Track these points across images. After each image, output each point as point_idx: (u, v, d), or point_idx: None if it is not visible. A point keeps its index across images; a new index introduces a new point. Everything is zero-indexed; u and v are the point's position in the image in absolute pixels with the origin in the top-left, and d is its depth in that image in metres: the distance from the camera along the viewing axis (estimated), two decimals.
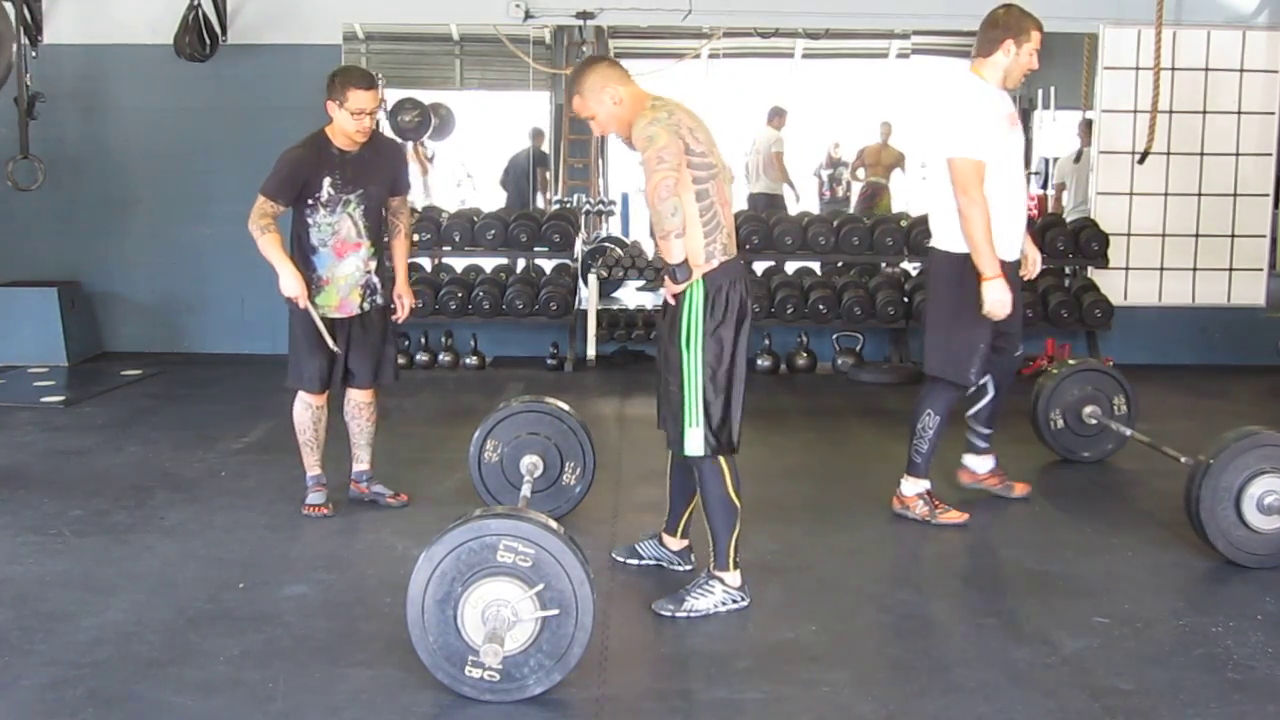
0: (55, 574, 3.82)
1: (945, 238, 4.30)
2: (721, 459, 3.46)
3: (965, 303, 4.22)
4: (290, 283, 4.15)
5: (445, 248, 7.70)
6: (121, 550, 4.07)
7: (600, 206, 9.65)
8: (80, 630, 3.36)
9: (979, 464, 4.74)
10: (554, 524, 3.02)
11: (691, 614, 3.46)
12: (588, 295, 7.86)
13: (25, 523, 4.32)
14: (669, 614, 3.46)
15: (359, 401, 4.51)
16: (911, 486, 4.45)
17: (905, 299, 7.63)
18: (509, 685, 2.93)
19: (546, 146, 9.52)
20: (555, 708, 2.95)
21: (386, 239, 4.45)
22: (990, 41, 4.25)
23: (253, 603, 3.61)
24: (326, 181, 4.20)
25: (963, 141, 4.13)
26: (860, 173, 10.32)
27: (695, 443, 3.43)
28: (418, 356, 7.62)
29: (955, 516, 4.39)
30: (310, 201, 4.21)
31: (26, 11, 7.21)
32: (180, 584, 3.76)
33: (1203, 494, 3.94)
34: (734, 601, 3.51)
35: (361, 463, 4.58)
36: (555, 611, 2.90)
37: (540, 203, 9.11)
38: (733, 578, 3.52)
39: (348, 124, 4.15)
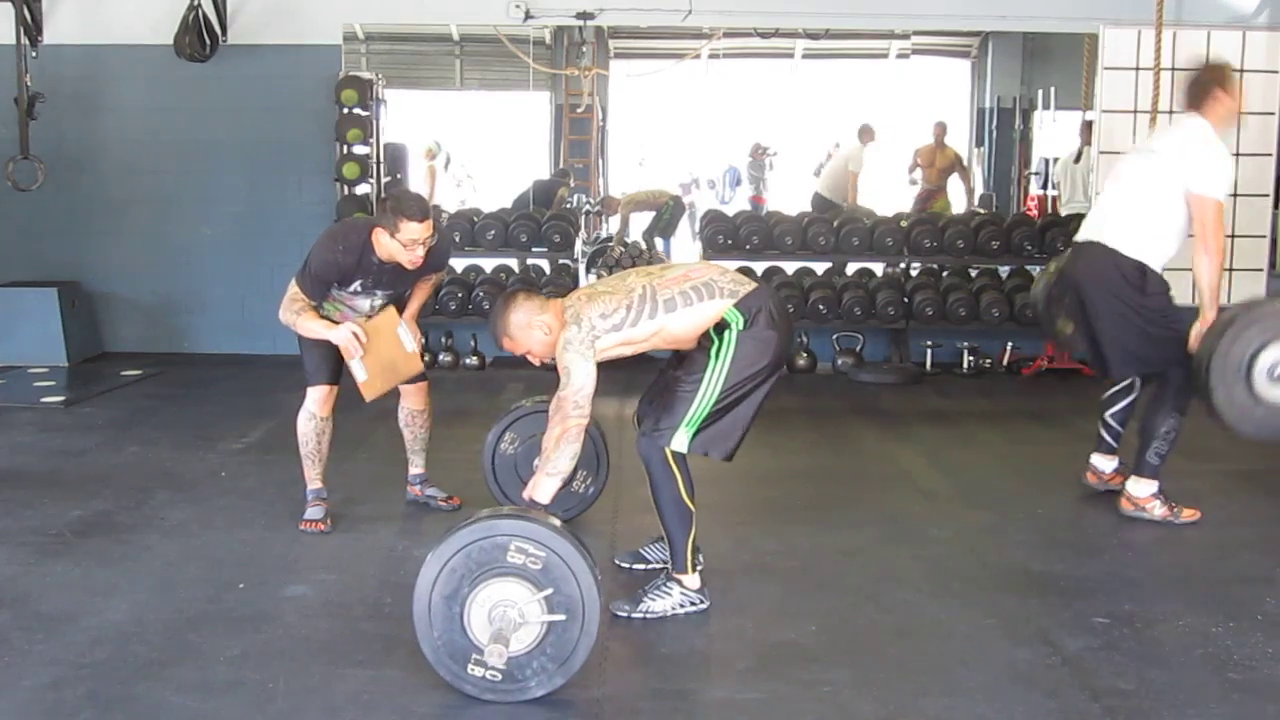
0: (55, 574, 3.82)
1: (1131, 244, 4.35)
2: (673, 463, 3.44)
3: (1153, 303, 4.34)
4: (343, 340, 4.08)
5: None
6: (121, 550, 4.07)
7: (600, 207, 9.65)
8: (80, 630, 3.36)
9: (1105, 464, 4.78)
10: (565, 528, 3.01)
11: (648, 615, 3.46)
12: None
13: (25, 523, 4.32)
14: (624, 614, 3.45)
15: (412, 410, 4.53)
16: (1145, 488, 4.46)
17: (905, 299, 7.63)
18: (510, 686, 2.93)
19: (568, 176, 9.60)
20: (555, 707, 2.95)
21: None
22: (1202, 89, 4.40)
23: (253, 603, 3.60)
24: (358, 283, 4.12)
25: (1214, 180, 4.23)
26: (916, 174, 10.23)
27: (681, 441, 3.42)
28: None
29: (1191, 514, 4.45)
30: (336, 285, 4.14)
31: (26, 11, 7.22)
32: (180, 584, 3.76)
33: (1214, 363, 3.91)
34: (692, 604, 3.50)
35: (416, 466, 4.62)
36: (562, 616, 2.90)
37: None
38: (691, 580, 3.52)
39: (400, 254, 3.99)
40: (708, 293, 3.44)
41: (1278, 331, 3.94)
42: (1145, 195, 4.39)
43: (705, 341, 3.46)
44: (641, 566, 3.92)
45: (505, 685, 2.92)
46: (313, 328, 4.10)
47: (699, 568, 3.59)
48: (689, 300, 3.42)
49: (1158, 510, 4.45)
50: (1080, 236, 4.61)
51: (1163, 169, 4.37)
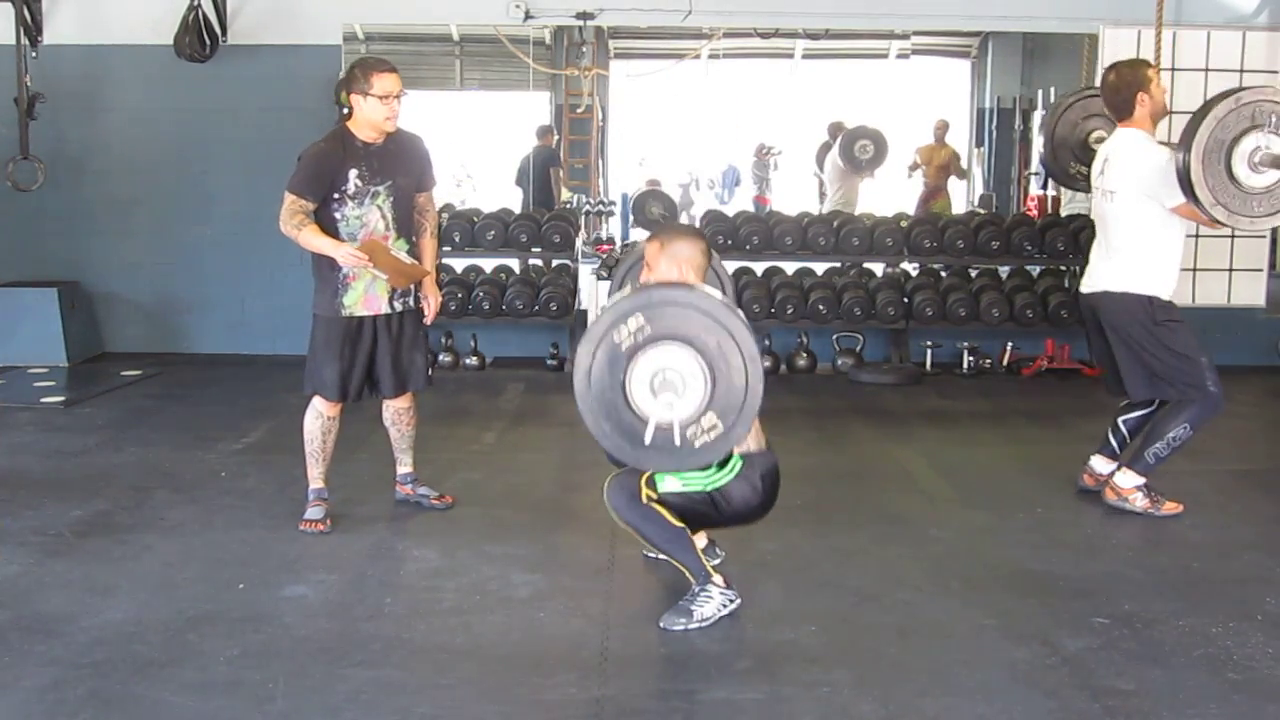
0: (55, 574, 3.82)
1: (1131, 277, 4.47)
2: (650, 504, 3.44)
3: (1167, 336, 4.43)
4: (344, 254, 4.05)
5: (445, 248, 7.69)
6: (121, 550, 4.07)
7: (600, 207, 9.65)
8: (80, 630, 3.36)
9: (1104, 466, 4.78)
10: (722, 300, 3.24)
11: (702, 623, 3.44)
12: (588, 295, 7.85)
13: (25, 523, 4.32)
14: (681, 628, 3.42)
15: (397, 408, 4.47)
16: (1131, 479, 4.54)
17: (905, 299, 7.63)
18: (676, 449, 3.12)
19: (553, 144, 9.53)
20: (555, 708, 2.95)
21: (415, 237, 4.35)
22: (1126, 102, 4.48)
23: (253, 603, 3.61)
24: (353, 174, 4.13)
25: (1176, 190, 4.25)
26: (918, 172, 10.24)
27: (671, 482, 3.44)
28: None
29: (1173, 507, 4.51)
30: (337, 196, 4.13)
31: (26, 12, 7.22)
32: (180, 584, 3.76)
33: (1191, 161, 4.00)
34: (730, 601, 3.51)
35: (405, 465, 4.59)
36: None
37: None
38: (720, 579, 3.52)
39: (376, 112, 4.10)
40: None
41: (1254, 119, 4.00)
42: (1129, 234, 4.48)
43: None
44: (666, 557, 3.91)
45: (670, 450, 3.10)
46: (316, 243, 4.08)
47: (717, 561, 3.62)
48: None
49: (1139, 502, 4.51)
50: (1085, 286, 4.70)
51: (1130, 203, 4.45)
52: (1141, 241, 4.46)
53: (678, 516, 3.49)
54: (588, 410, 3.18)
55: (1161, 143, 4.55)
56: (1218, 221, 4.21)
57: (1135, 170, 4.43)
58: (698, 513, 3.53)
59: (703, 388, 3.12)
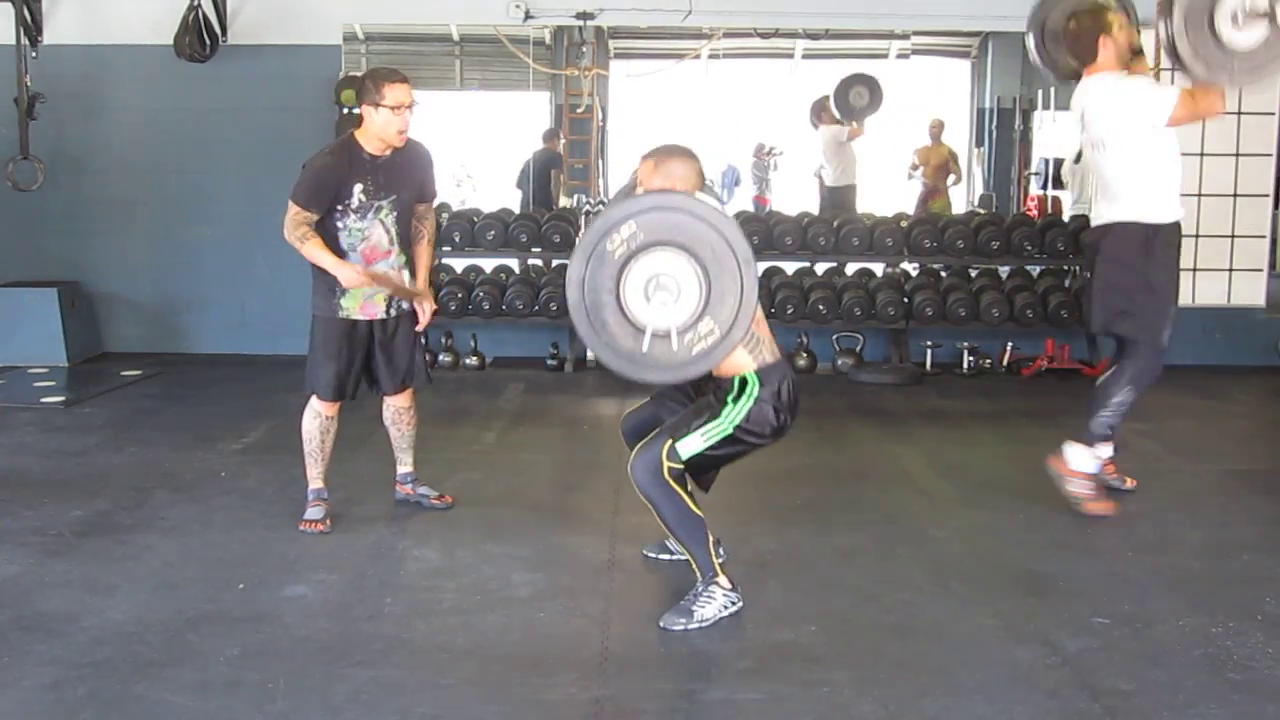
0: (55, 574, 3.82)
1: (1134, 209, 4.48)
2: (673, 479, 3.42)
3: (1157, 271, 4.46)
4: (348, 275, 4.06)
5: (445, 248, 7.70)
6: (121, 550, 4.07)
7: (600, 207, 9.64)
8: (80, 630, 3.36)
9: (1108, 450, 4.74)
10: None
11: (702, 624, 3.44)
12: None
13: (25, 523, 4.32)
14: (681, 628, 3.42)
15: (398, 407, 4.47)
16: (1081, 460, 4.49)
17: (905, 299, 7.62)
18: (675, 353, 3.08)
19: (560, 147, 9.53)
20: (555, 708, 2.95)
21: (412, 245, 4.35)
22: (1088, 48, 4.49)
23: (253, 603, 3.60)
24: (358, 188, 4.10)
25: (1160, 103, 4.30)
26: (918, 173, 10.25)
27: (693, 444, 3.43)
28: None
29: (1104, 508, 4.47)
30: (340, 208, 4.11)
31: (26, 11, 7.23)
32: (180, 584, 3.76)
33: (1173, 17, 4.01)
34: (732, 604, 3.51)
35: (405, 465, 4.58)
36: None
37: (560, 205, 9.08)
38: (725, 580, 3.51)
39: (389, 124, 4.07)
40: (753, 342, 3.49)
41: None
42: (1124, 172, 4.48)
43: (726, 386, 3.50)
44: (668, 557, 3.92)
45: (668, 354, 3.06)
46: (320, 257, 4.06)
47: (721, 559, 3.60)
48: (748, 340, 3.43)
49: (1077, 487, 4.47)
50: (1094, 225, 4.73)
51: (1121, 146, 4.45)
52: (1137, 174, 4.46)
53: (708, 469, 3.54)
54: (583, 324, 3.11)
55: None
56: (1207, 92, 4.19)
57: (1115, 110, 4.42)
58: (728, 454, 3.55)
59: (698, 292, 3.06)
